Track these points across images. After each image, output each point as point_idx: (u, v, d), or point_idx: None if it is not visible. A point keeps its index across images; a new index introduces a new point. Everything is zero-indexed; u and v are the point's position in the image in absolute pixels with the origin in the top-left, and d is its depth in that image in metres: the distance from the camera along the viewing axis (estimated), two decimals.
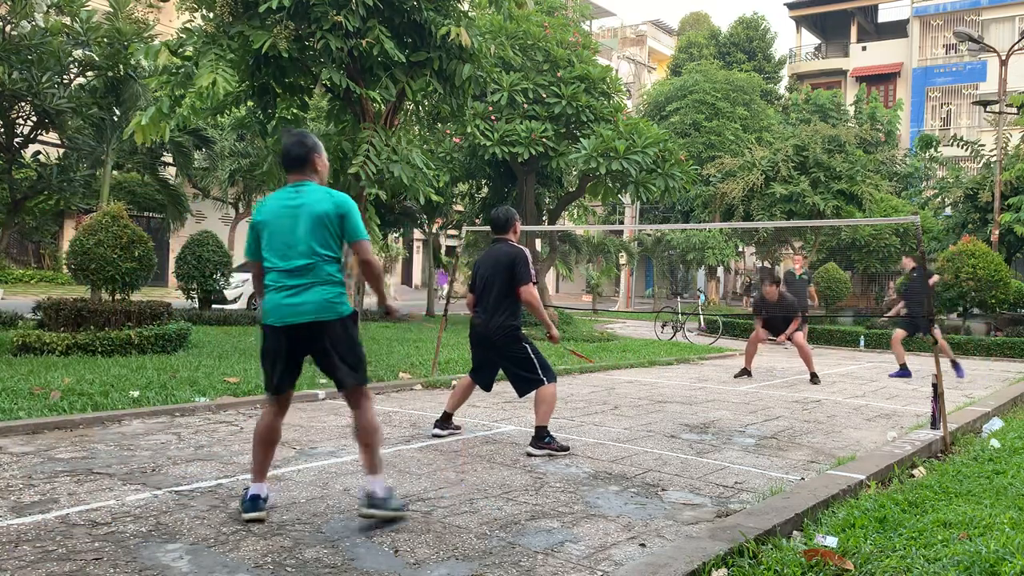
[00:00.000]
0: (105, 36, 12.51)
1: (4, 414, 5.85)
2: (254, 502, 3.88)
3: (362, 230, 4.03)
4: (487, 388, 6.14)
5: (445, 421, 6.16)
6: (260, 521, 3.84)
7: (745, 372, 11.03)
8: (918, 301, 11.06)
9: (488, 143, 15.14)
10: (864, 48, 39.61)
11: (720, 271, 38.92)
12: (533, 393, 5.75)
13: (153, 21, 13.70)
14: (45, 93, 11.95)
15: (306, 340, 3.94)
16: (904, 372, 11.50)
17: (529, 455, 5.52)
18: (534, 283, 5.82)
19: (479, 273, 5.98)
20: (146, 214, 25.14)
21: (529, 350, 5.76)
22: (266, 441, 4.01)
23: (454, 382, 8.88)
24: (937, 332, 11.23)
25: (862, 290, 29.60)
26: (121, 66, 12.66)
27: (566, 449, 5.62)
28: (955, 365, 11.36)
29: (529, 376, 5.73)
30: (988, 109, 20.79)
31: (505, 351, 5.80)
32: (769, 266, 17.80)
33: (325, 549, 3.52)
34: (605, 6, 47.93)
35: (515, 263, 5.75)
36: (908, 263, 11.97)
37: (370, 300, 25.40)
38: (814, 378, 10.43)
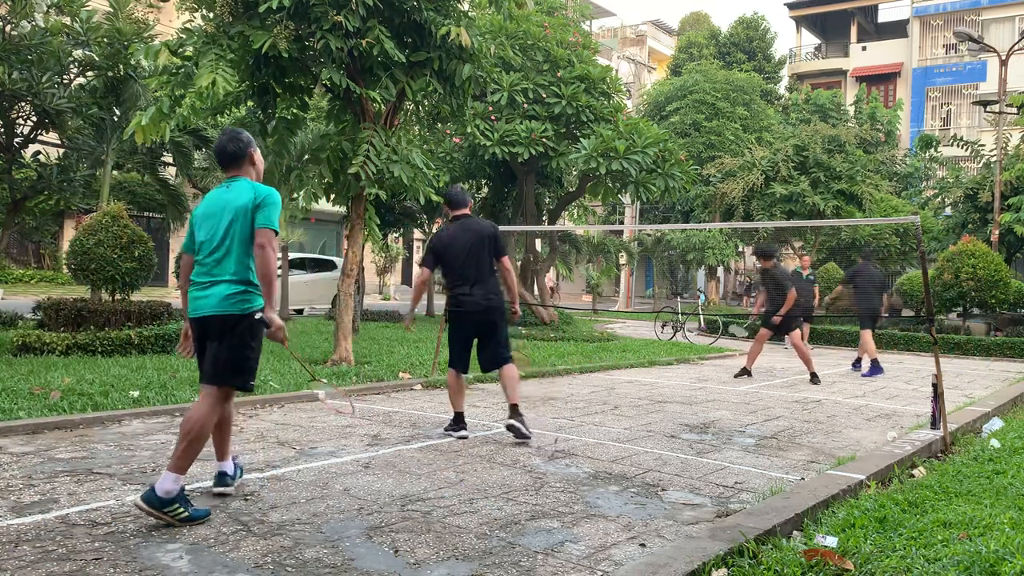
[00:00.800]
0: (105, 36, 12.50)
1: (4, 414, 5.85)
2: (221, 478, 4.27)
3: (272, 220, 3.97)
4: (466, 371, 6.20)
5: (460, 422, 6.08)
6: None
7: (745, 372, 11.00)
8: (869, 295, 11.66)
9: (488, 143, 15.14)
10: (864, 48, 39.62)
11: (720, 271, 38.91)
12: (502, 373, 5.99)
13: (153, 21, 13.69)
14: (45, 93, 11.94)
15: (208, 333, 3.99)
16: (876, 369, 11.80)
17: (511, 427, 5.85)
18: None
19: (459, 249, 5.93)
20: (146, 214, 25.09)
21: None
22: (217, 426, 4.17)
23: None
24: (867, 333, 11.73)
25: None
26: (121, 66, 12.65)
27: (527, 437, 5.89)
28: (875, 364, 11.79)
29: (505, 352, 5.95)
30: (988, 109, 20.79)
31: (500, 325, 5.91)
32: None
33: (325, 549, 3.52)
34: (605, 6, 47.92)
35: (497, 235, 5.92)
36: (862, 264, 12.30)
37: (369, 300, 25.38)
38: (814, 378, 10.43)
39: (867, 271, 12.03)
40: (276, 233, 3.97)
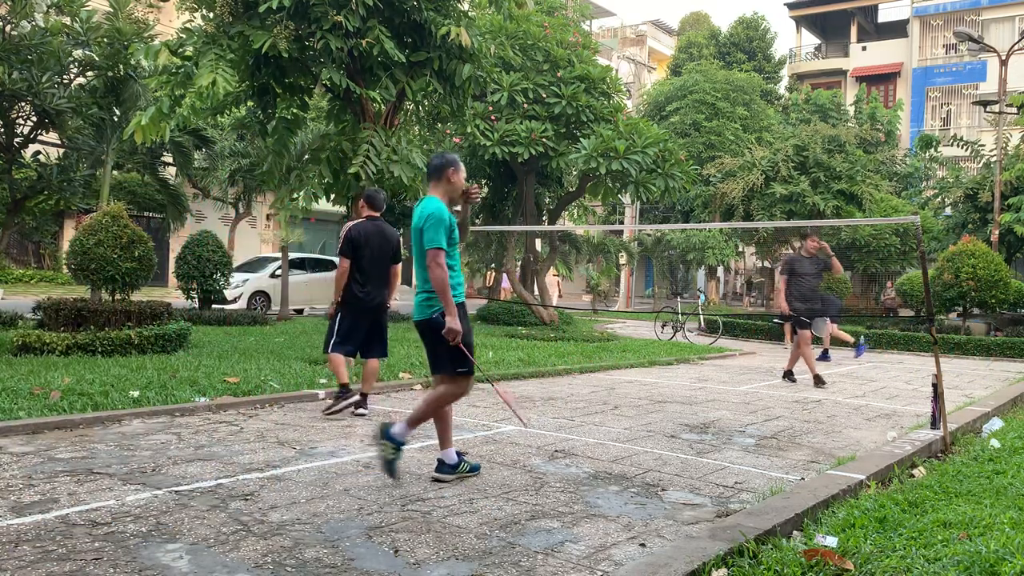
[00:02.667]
0: (105, 36, 12.51)
1: (4, 414, 5.85)
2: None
3: (435, 240, 4.47)
4: (354, 355, 7.09)
5: (363, 400, 6.88)
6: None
7: (817, 379, 10.25)
8: (812, 291, 11.46)
9: (488, 143, 15.14)
10: (864, 48, 39.62)
11: (720, 271, 38.92)
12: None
13: (153, 21, 13.69)
14: (45, 93, 11.94)
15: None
16: (825, 356, 12.64)
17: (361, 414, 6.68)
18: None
19: (373, 248, 6.64)
20: (146, 214, 25.11)
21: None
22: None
23: None
24: (833, 327, 11.91)
25: (862, 290, 29.60)
26: (121, 66, 12.65)
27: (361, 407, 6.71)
28: (825, 353, 12.58)
29: (381, 348, 6.88)
30: (988, 109, 20.79)
31: (384, 321, 6.85)
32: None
33: (325, 549, 3.52)
34: (605, 6, 47.92)
35: (399, 244, 6.73)
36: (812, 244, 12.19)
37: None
38: (817, 380, 10.23)
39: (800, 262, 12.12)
40: (441, 250, 4.46)
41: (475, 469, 4.82)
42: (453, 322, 4.40)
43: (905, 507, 4.24)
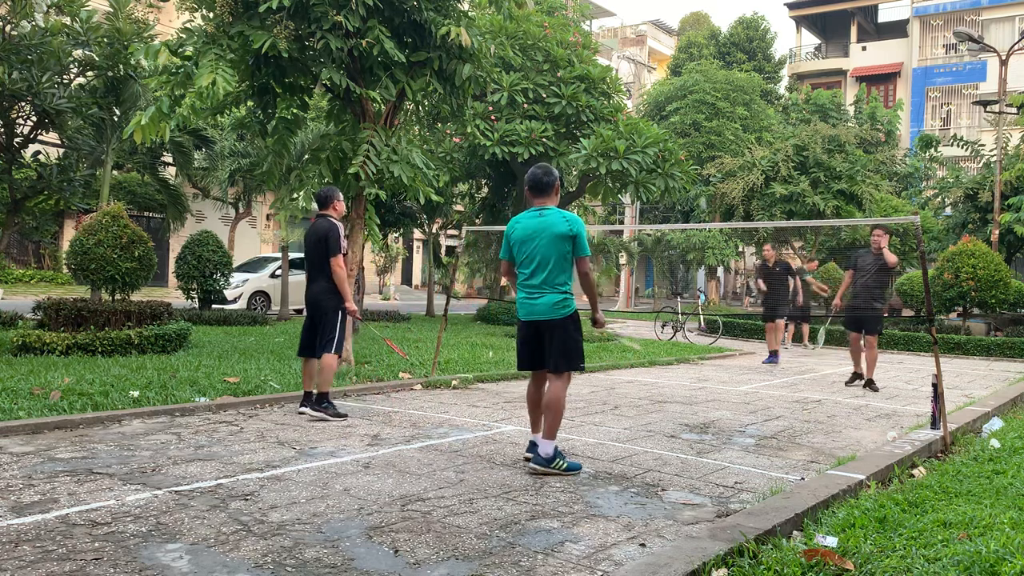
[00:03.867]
0: (105, 36, 12.51)
1: (4, 414, 5.85)
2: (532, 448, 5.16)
3: (586, 247, 5.12)
4: (309, 356, 6.85)
5: (308, 400, 6.76)
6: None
7: (859, 377, 10.17)
8: (780, 293, 12.17)
9: (488, 143, 15.15)
10: (864, 48, 39.63)
11: (720, 271, 38.91)
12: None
13: (153, 21, 13.69)
14: (45, 93, 11.95)
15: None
16: (773, 358, 12.66)
17: (300, 414, 6.60)
18: (344, 255, 6.84)
19: (308, 246, 6.85)
20: (146, 214, 25.15)
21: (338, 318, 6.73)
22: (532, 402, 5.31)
23: (454, 382, 8.90)
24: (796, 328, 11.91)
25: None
26: (121, 66, 12.65)
27: (344, 416, 6.58)
28: (773, 354, 12.63)
29: (324, 345, 6.63)
30: (988, 109, 20.79)
31: (320, 319, 6.69)
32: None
33: (325, 549, 3.52)
34: (605, 6, 47.93)
35: (329, 236, 6.69)
36: (770, 254, 12.45)
37: (369, 300, 25.35)
38: (864, 380, 10.01)
39: (768, 270, 12.67)
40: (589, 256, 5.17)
41: (573, 468, 5.06)
42: (599, 316, 5.32)
43: (905, 507, 4.24)
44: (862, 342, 9.99)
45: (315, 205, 7.36)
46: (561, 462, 4.97)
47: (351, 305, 6.80)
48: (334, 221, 6.83)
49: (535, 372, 5.24)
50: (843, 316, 10.65)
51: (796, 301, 12.46)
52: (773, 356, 12.78)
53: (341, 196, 7.11)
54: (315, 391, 6.70)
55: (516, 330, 5.31)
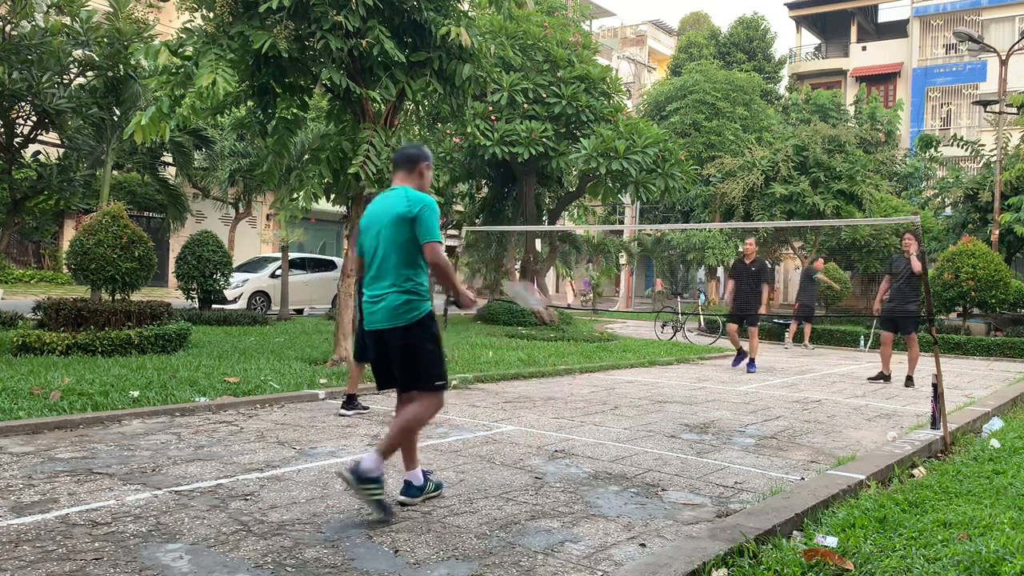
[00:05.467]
0: (105, 36, 12.50)
1: (4, 414, 5.85)
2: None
3: (435, 231, 4.07)
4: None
5: (350, 402, 6.95)
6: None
7: (884, 378, 10.59)
8: (747, 294, 11.55)
9: (488, 143, 15.14)
10: (864, 48, 39.60)
11: (720, 271, 38.90)
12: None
13: (153, 21, 13.69)
14: (45, 93, 11.94)
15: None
16: (741, 358, 11.90)
17: (342, 415, 6.71)
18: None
19: None
20: (146, 214, 25.12)
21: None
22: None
23: (454, 382, 8.89)
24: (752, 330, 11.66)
25: (862, 290, 29.60)
26: (121, 66, 12.65)
27: (365, 408, 6.86)
28: (750, 359, 11.79)
29: None
30: (988, 109, 20.79)
31: None
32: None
33: (325, 549, 3.52)
34: (605, 6, 47.93)
35: None
36: (751, 249, 11.86)
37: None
38: (905, 378, 10.28)
39: (743, 268, 11.88)
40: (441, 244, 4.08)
41: (439, 488, 4.39)
42: (466, 296, 4.18)
43: (905, 507, 4.24)
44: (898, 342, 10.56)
45: (315, 205, 7.30)
46: (374, 489, 3.95)
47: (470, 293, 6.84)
48: None
49: (398, 394, 4.28)
50: (879, 317, 10.84)
51: (764, 304, 11.74)
52: (741, 356, 11.87)
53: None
54: (353, 393, 6.94)
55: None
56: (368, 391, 8.01)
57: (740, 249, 11.55)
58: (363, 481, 3.85)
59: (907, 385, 10.13)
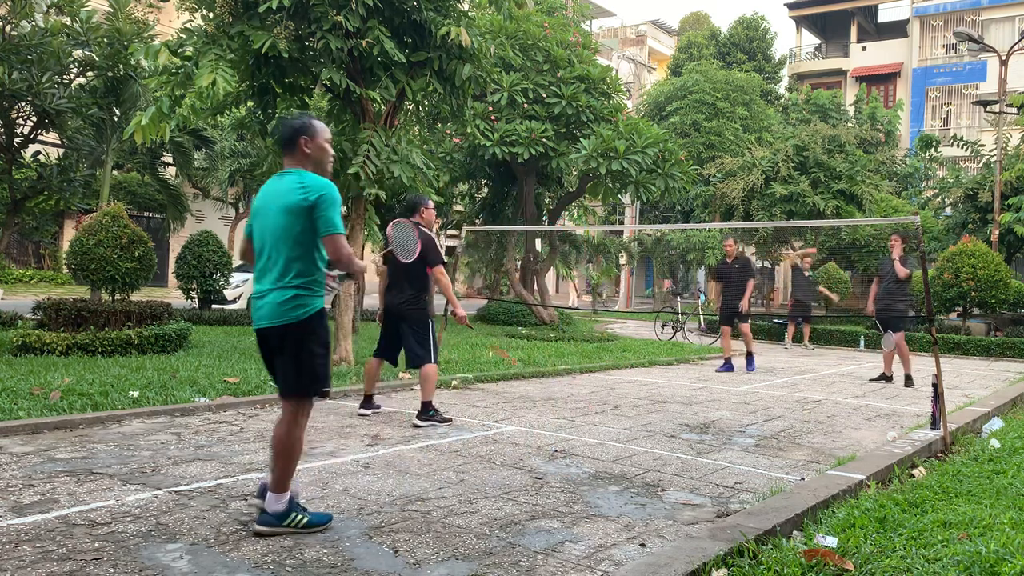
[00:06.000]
0: (105, 36, 12.51)
1: (4, 414, 5.85)
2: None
3: (336, 221, 3.69)
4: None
5: (367, 402, 6.97)
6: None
7: (886, 379, 10.59)
8: (735, 294, 11.43)
9: (488, 143, 15.14)
10: (864, 48, 39.59)
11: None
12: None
13: (153, 21, 13.69)
14: (45, 93, 11.95)
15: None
16: (727, 368, 11.62)
17: (416, 426, 6.44)
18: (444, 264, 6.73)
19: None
20: (146, 214, 25.13)
21: (430, 326, 6.59)
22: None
23: (454, 382, 8.90)
24: (745, 327, 11.58)
25: (862, 290, 29.59)
26: (121, 66, 12.66)
27: (448, 420, 6.58)
28: (727, 362, 11.65)
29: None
30: (988, 109, 20.78)
31: (416, 325, 6.56)
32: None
33: (325, 549, 3.52)
34: (605, 6, 47.93)
35: (427, 246, 6.47)
36: (731, 249, 11.72)
37: (369, 300, 25.38)
38: (904, 377, 10.31)
39: (743, 269, 11.70)
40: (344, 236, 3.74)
41: (316, 523, 3.76)
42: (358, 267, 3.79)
43: (905, 507, 4.24)
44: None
45: None
46: (299, 516, 3.70)
47: (461, 311, 6.76)
48: (425, 230, 6.61)
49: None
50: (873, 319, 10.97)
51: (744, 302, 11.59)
52: (728, 366, 11.58)
53: (431, 204, 6.86)
54: (370, 394, 6.98)
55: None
56: (384, 390, 8.01)
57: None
58: (282, 520, 3.66)
59: (907, 385, 10.18)
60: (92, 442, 5.44)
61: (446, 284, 6.61)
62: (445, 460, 5.28)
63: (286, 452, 3.70)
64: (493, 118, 15.76)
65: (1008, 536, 3.65)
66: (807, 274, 17.21)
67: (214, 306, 15.60)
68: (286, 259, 3.67)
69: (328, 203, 3.64)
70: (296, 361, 3.69)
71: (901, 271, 10.12)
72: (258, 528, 3.67)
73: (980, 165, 22.87)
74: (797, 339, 17.36)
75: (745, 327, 11.65)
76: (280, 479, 3.70)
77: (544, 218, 19.72)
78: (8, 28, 11.76)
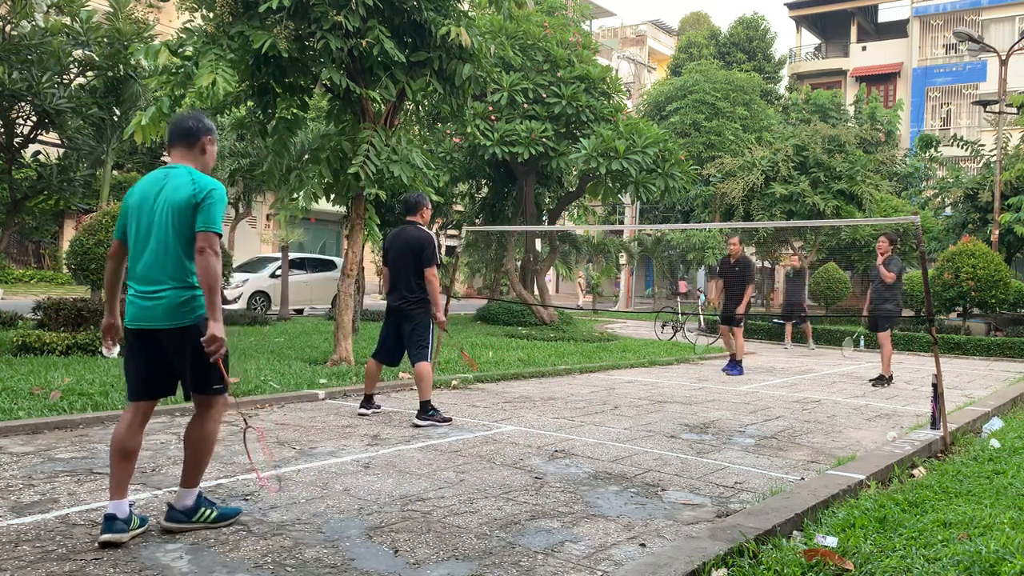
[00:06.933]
0: (105, 36, 12.50)
1: (4, 414, 5.85)
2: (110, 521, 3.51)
3: (215, 220, 3.62)
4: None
5: (368, 402, 6.97)
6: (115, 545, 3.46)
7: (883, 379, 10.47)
8: (732, 295, 11.39)
9: (488, 143, 15.14)
10: (864, 48, 39.60)
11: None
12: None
13: (153, 21, 13.69)
14: (45, 93, 11.94)
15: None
16: (738, 368, 11.44)
17: (416, 426, 6.42)
18: (439, 265, 6.71)
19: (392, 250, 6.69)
20: None
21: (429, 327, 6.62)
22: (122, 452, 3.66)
23: (454, 382, 8.90)
24: (734, 330, 11.50)
25: (862, 290, 29.59)
26: (121, 66, 12.65)
27: (448, 420, 6.59)
28: (736, 362, 11.44)
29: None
30: (988, 109, 20.78)
31: (417, 324, 6.57)
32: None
33: (325, 549, 3.52)
34: (605, 6, 47.94)
35: (424, 246, 6.52)
36: (735, 248, 11.55)
37: (369, 300, 25.44)
38: (881, 380, 10.33)
39: (744, 270, 11.53)
40: (220, 236, 3.64)
41: (225, 516, 3.81)
42: (219, 328, 3.55)
43: (905, 507, 4.24)
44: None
45: (315, 205, 7.27)
46: (208, 511, 3.72)
47: (441, 316, 6.74)
48: (427, 230, 6.68)
49: (138, 404, 3.82)
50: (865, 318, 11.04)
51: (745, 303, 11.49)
52: (734, 365, 11.40)
53: (430, 203, 6.94)
54: (370, 394, 6.96)
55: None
56: (384, 390, 8.02)
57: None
58: (191, 515, 3.66)
59: (875, 384, 10.20)
60: (92, 442, 5.44)
61: (435, 287, 6.63)
62: (445, 460, 5.28)
63: (203, 448, 3.73)
64: (493, 118, 15.76)
65: (1008, 536, 3.65)
66: (792, 275, 17.29)
67: None
68: (178, 259, 3.67)
69: (215, 201, 3.63)
70: (198, 361, 3.67)
71: (887, 275, 10.12)
72: (165, 525, 3.66)
73: (980, 165, 22.87)
74: (800, 339, 17.38)
75: (738, 331, 11.51)
76: (193, 472, 3.74)
77: (544, 218, 19.72)
78: (8, 28, 11.76)
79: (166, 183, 3.67)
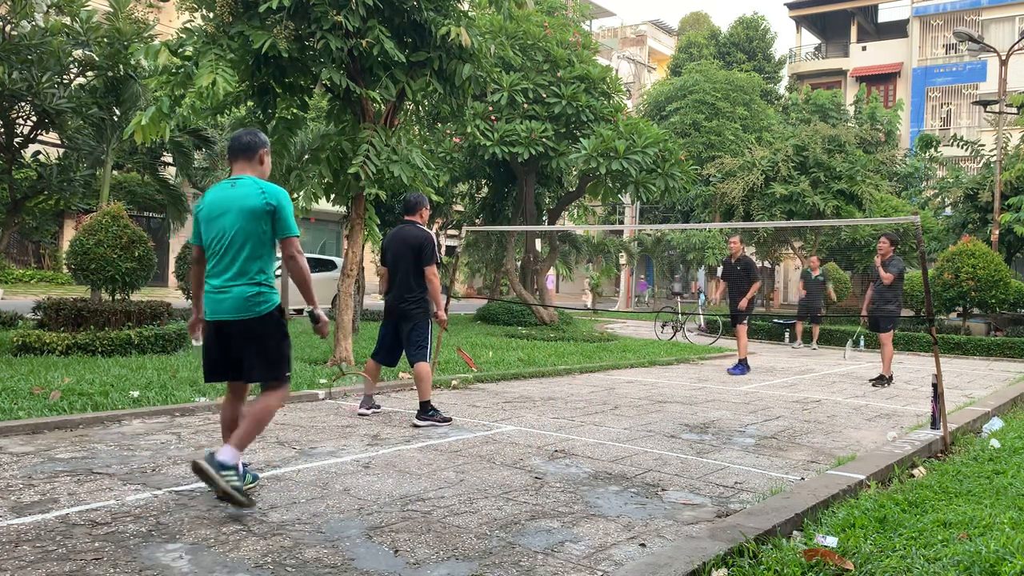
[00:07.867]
0: (105, 36, 12.49)
1: (4, 414, 5.85)
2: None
3: (293, 226, 4.19)
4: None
5: (367, 402, 6.99)
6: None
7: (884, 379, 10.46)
8: (735, 294, 11.34)
9: (488, 143, 15.14)
10: (864, 48, 39.61)
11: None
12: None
13: (153, 21, 13.68)
14: (45, 93, 11.94)
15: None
16: (742, 367, 11.40)
17: (415, 426, 6.42)
18: (439, 264, 6.75)
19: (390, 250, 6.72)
20: (146, 214, 25.09)
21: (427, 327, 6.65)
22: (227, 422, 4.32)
23: (454, 382, 8.90)
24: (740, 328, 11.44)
25: (862, 290, 29.58)
26: (121, 66, 12.64)
27: (448, 420, 6.58)
28: (741, 361, 11.42)
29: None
30: (988, 109, 20.78)
31: (416, 323, 6.58)
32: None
33: (325, 549, 3.52)
34: (605, 6, 47.94)
35: (423, 245, 6.54)
36: (736, 248, 11.49)
37: (369, 300, 25.43)
38: (881, 380, 10.37)
39: (745, 269, 11.46)
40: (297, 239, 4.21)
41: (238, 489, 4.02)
42: (321, 313, 4.24)
43: (905, 507, 4.24)
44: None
45: (315, 205, 7.26)
46: (232, 477, 3.90)
47: (442, 314, 6.74)
48: (426, 229, 6.69)
49: (232, 384, 4.31)
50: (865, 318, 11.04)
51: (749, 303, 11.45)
52: (741, 366, 11.38)
53: (430, 203, 6.99)
54: (370, 394, 6.98)
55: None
56: (384, 390, 8.02)
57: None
58: (222, 468, 3.89)
59: (875, 384, 10.22)
60: (92, 442, 5.44)
61: (436, 286, 6.63)
62: (445, 460, 5.28)
63: (259, 419, 4.14)
64: (493, 118, 15.76)
65: (1008, 536, 3.65)
66: (814, 275, 17.22)
67: None
68: (248, 258, 4.11)
69: (286, 207, 4.14)
70: (268, 350, 4.16)
71: (885, 277, 10.10)
72: (198, 463, 3.90)
73: (980, 165, 22.87)
74: (806, 339, 17.39)
75: (741, 329, 11.50)
76: (243, 437, 4.08)
77: (544, 218, 19.72)
78: (8, 28, 11.76)
79: (235, 191, 4.13)
